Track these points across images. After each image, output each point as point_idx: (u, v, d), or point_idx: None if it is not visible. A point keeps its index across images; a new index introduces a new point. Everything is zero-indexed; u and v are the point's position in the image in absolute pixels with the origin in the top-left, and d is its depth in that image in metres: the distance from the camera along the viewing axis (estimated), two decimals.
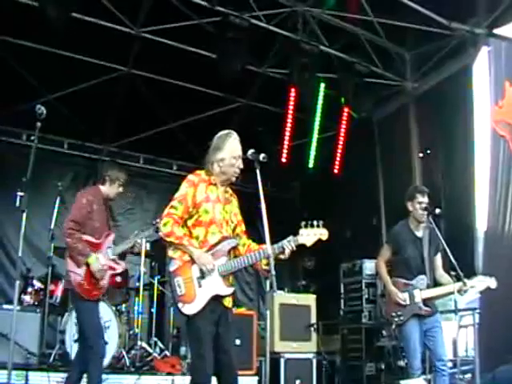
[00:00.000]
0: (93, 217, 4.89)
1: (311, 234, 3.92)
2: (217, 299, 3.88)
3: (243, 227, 4.20)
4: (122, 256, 5.46)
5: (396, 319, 5.28)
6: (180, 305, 3.85)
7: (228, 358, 3.90)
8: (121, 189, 5.16)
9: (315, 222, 3.93)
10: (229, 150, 4.06)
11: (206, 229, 3.95)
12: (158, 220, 4.94)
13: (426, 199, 5.45)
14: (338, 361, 8.57)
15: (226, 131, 4.17)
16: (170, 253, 3.95)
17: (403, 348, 5.64)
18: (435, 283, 5.38)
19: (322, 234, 3.94)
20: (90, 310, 4.82)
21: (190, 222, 3.97)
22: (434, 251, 5.44)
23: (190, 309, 3.82)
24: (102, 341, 4.82)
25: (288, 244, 3.91)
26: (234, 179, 4.12)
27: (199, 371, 3.79)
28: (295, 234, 3.99)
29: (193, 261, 3.88)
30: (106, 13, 7.63)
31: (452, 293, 5.21)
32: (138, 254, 6.00)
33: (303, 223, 3.94)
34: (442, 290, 5.31)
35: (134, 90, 9.15)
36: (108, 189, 5.11)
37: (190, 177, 4.06)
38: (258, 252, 3.92)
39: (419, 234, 5.49)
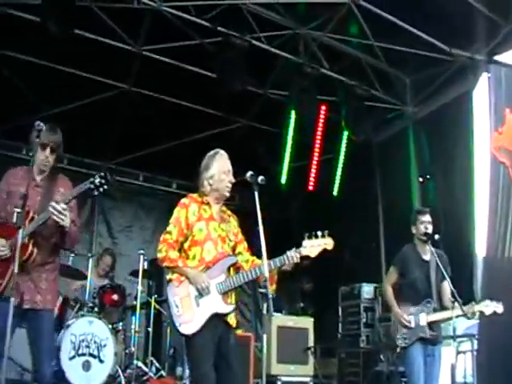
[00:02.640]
0: (11, 201, 3.99)
1: (315, 245, 3.90)
2: (217, 318, 3.87)
3: (245, 244, 4.23)
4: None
5: (401, 342, 5.23)
6: (178, 324, 3.85)
7: (233, 375, 3.87)
8: (45, 153, 4.03)
9: (319, 233, 3.90)
10: (217, 166, 4.15)
11: (202, 247, 4.00)
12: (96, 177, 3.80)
13: (427, 218, 5.44)
14: None
15: (213, 151, 4.27)
16: (169, 275, 4.00)
17: (406, 372, 5.52)
18: (441, 308, 5.34)
19: (327, 243, 3.92)
20: None
21: (186, 245, 4.04)
22: (441, 275, 5.37)
23: (188, 328, 3.82)
24: None
25: (289, 257, 3.89)
26: (227, 194, 4.17)
27: None
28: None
29: (190, 281, 3.90)
30: (107, 30, 7.68)
31: (457, 316, 5.16)
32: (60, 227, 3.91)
33: (306, 234, 3.92)
34: (447, 314, 5.23)
35: (135, 108, 9.17)
36: (36, 163, 4.07)
37: (182, 200, 4.16)
38: (259, 267, 3.89)
39: (426, 257, 5.44)
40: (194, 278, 3.88)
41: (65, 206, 3.77)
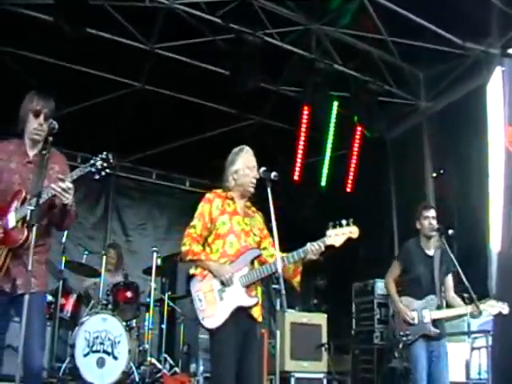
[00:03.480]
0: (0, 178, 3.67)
1: (339, 234, 3.83)
2: (242, 311, 3.86)
3: (271, 239, 4.17)
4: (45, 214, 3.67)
5: (404, 338, 5.19)
6: (201, 319, 3.86)
7: (251, 375, 3.86)
8: (39, 120, 3.70)
9: (344, 221, 3.84)
10: (242, 161, 4.15)
11: (224, 240, 3.99)
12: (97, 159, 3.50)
13: (431, 213, 5.39)
14: (349, 381, 8.46)
15: (239, 147, 4.27)
16: (192, 270, 4.01)
17: (411, 369, 5.48)
18: (446, 305, 5.30)
19: (352, 231, 3.85)
20: None
21: (210, 239, 4.05)
22: (445, 271, 5.35)
23: (211, 322, 3.83)
24: None
25: (313, 247, 3.84)
26: (251, 189, 4.14)
27: None
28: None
29: (213, 275, 3.90)
30: (120, 28, 7.71)
31: (462, 315, 5.13)
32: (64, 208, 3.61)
33: (331, 223, 3.86)
34: (452, 311, 5.21)
35: (148, 106, 9.20)
36: (27, 134, 3.75)
37: (206, 195, 4.17)
38: (282, 259, 3.85)
39: (430, 252, 5.41)
40: (217, 271, 3.88)
41: (70, 185, 3.48)
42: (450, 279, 5.39)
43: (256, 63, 7.82)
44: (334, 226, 3.85)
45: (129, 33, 7.83)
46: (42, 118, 3.70)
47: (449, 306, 5.28)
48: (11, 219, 3.57)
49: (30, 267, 3.30)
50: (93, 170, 3.52)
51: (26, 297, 3.26)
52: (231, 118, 9.80)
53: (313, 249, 3.84)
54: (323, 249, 3.87)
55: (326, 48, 8.62)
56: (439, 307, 5.21)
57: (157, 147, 10.11)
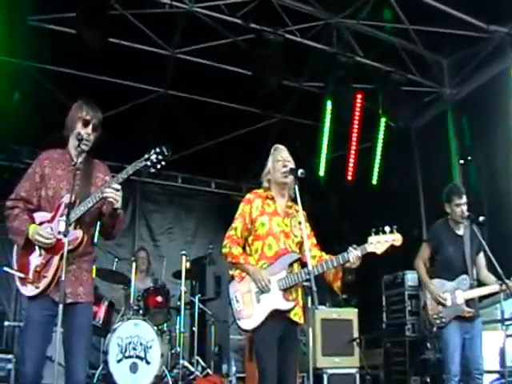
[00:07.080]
0: (46, 184, 3.66)
1: (382, 241, 3.76)
2: (278, 314, 3.86)
3: (314, 240, 4.18)
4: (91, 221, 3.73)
5: (438, 321, 5.11)
6: (238, 319, 3.91)
7: (288, 376, 3.87)
8: (87, 130, 3.71)
9: (387, 228, 3.76)
10: (271, 160, 4.20)
11: (263, 241, 4.01)
12: (151, 153, 3.53)
13: (463, 200, 5.27)
14: (382, 375, 8.41)
15: None
16: (231, 271, 4.06)
17: (441, 350, 5.35)
18: (479, 284, 5.20)
19: (395, 239, 3.78)
20: (27, 312, 3.61)
21: (249, 239, 4.08)
22: (476, 250, 5.23)
23: (248, 324, 3.88)
24: (24, 366, 3.43)
25: (354, 253, 3.78)
26: (284, 180, 4.09)
27: None
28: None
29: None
30: (141, 36, 7.80)
31: (496, 293, 5.01)
32: (114, 213, 3.67)
33: (373, 230, 3.79)
34: (485, 290, 5.12)
35: (172, 111, 9.25)
36: (71, 141, 3.76)
37: (247, 195, 4.22)
38: (321, 265, 3.86)
39: (460, 232, 5.30)
40: (253, 275, 3.90)
41: (118, 187, 3.49)
42: (481, 257, 5.26)
43: (278, 62, 7.78)
44: (377, 233, 3.78)
45: (150, 39, 7.90)
46: (90, 127, 3.73)
47: (481, 285, 5.16)
48: (61, 225, 3.52)
49: (63, 277, 3.29)
50: (148, 164, 3.53)
51: (60, 306, 3.25)
52: (254, 118, 9.79)
53: (353, 256, 3.78)
54: (360, 257, 3.79)
55: (347, 41, 8.55)
56: (472, 287, 5.10)
57: (181, 151, 10.14)
